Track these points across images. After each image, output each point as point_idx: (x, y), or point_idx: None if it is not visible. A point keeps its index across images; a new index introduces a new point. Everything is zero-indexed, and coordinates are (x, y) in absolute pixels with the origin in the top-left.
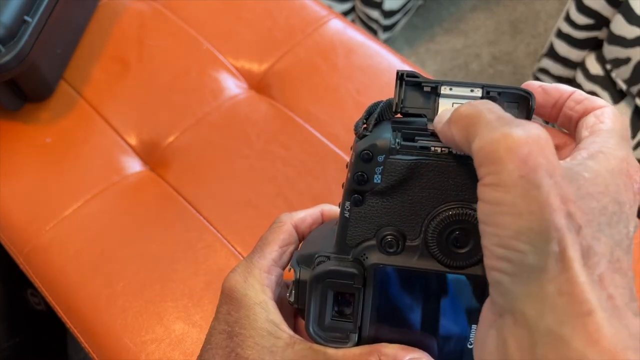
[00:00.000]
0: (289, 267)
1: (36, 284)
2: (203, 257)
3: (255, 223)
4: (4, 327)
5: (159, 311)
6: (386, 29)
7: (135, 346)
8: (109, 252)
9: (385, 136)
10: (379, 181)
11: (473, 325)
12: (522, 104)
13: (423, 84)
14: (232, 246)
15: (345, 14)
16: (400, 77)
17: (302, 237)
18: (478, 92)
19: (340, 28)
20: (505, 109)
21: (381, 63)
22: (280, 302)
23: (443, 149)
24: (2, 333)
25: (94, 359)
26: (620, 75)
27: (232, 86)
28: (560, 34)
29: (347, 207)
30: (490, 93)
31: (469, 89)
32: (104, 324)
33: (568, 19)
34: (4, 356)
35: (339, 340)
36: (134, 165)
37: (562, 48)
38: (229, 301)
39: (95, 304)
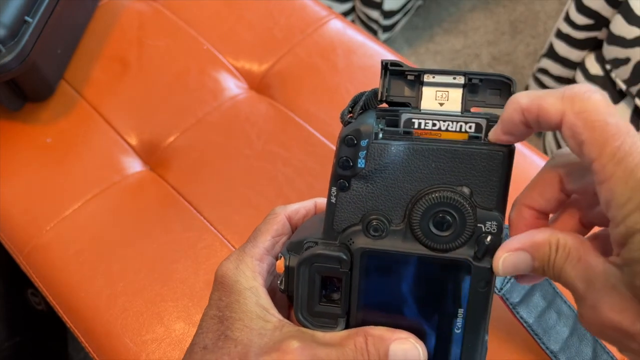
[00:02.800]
0: (279, 255)
1: (36, 284)
2: (203, 257)
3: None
4: (4, 327)
5: (159, 311)
6: (386, 29)
7: (135, 346)
8: (109, 252)
9: (369, 122)
10: (363, 165)
11: (459, 309)
12: (504, 91)
13: (407, 73)
14: (232, 246)
15: (345, 14)
16: (385, 66)
17: (295, 228)
18: (460, 80)
19: (340, 28)
20: (488, 96)
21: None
22: (273, 292)
23: (425, 133)
24: (2, 333)
25: (94, 359)
26: (619, 76)
27: (232, 86)
28: (560, 34)
29: (334, 192)
30: (472, 80)
31: (451, 77)
32: (104, 324)
33: (568, 19)
34: (4, 356)
35: (327, 325)
36: (134, 165)
37: (562, 48)
38: (220, 287)
39: (96, 303)
